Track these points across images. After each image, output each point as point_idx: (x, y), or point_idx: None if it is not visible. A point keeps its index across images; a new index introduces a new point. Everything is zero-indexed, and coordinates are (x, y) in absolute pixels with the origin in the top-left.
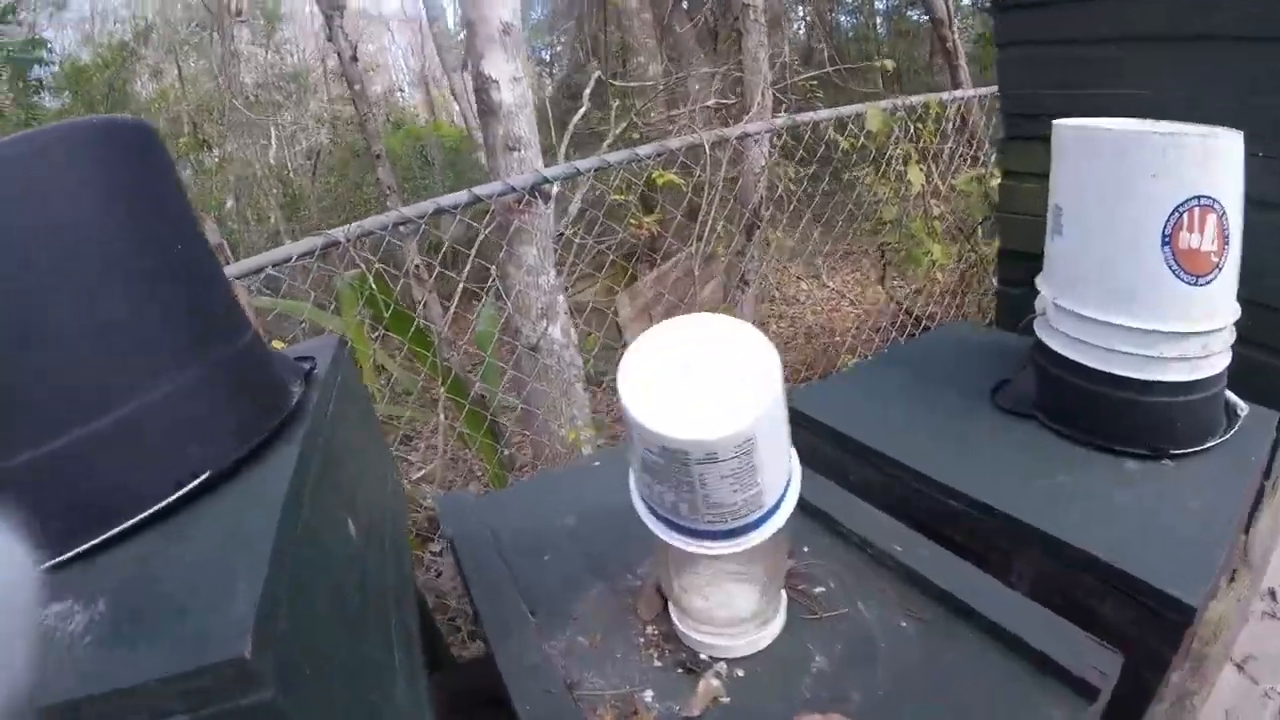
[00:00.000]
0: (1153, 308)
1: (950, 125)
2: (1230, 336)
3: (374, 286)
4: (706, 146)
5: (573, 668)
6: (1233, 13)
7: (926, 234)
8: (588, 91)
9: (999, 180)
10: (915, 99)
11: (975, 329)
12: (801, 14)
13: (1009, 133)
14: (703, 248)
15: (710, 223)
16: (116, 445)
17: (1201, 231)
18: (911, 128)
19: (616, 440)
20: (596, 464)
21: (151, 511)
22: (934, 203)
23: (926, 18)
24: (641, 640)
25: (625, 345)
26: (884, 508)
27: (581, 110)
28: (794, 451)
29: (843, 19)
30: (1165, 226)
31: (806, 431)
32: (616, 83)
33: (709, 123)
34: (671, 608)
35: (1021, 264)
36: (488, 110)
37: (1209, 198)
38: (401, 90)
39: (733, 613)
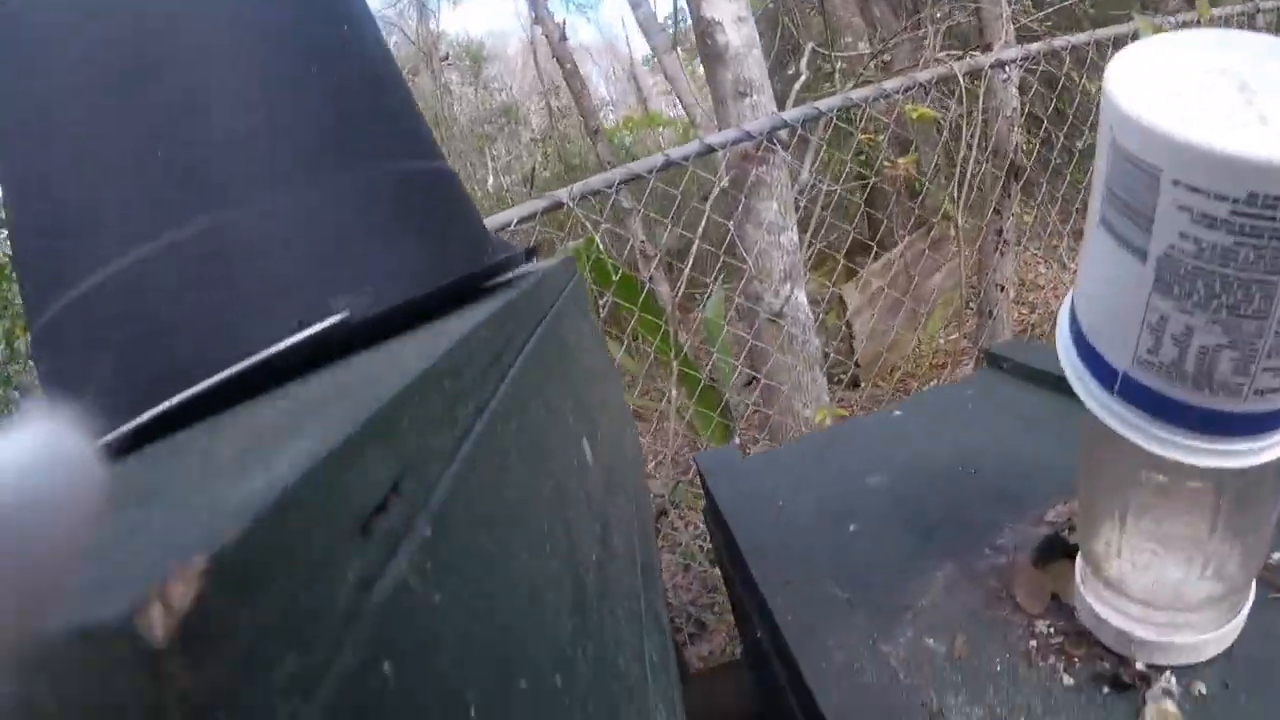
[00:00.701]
0: None
1: None
2: None
3: (600, 248)
4: (961, 77)
5: (927, 686)
6: None
7: None
8: (804, 61)
9: None
10: (1178, 17)
11: None
12: None
13: None
14: (963, 197)
15: (970, 166)
16: (211, 263)
17: None
18: None
19: None
20: (897, 413)
21: (253, 362)
22: None
23: None
24: (1032, 644)
25: (852, 337)
26: None
27: (801, 79)
28: None
29: None
30: None
31: None
32: (831, 53)
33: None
34: (1082, 588)
35: None
36: (713, 55)
37: None
38: (610, 104)
39: (1203, 591)
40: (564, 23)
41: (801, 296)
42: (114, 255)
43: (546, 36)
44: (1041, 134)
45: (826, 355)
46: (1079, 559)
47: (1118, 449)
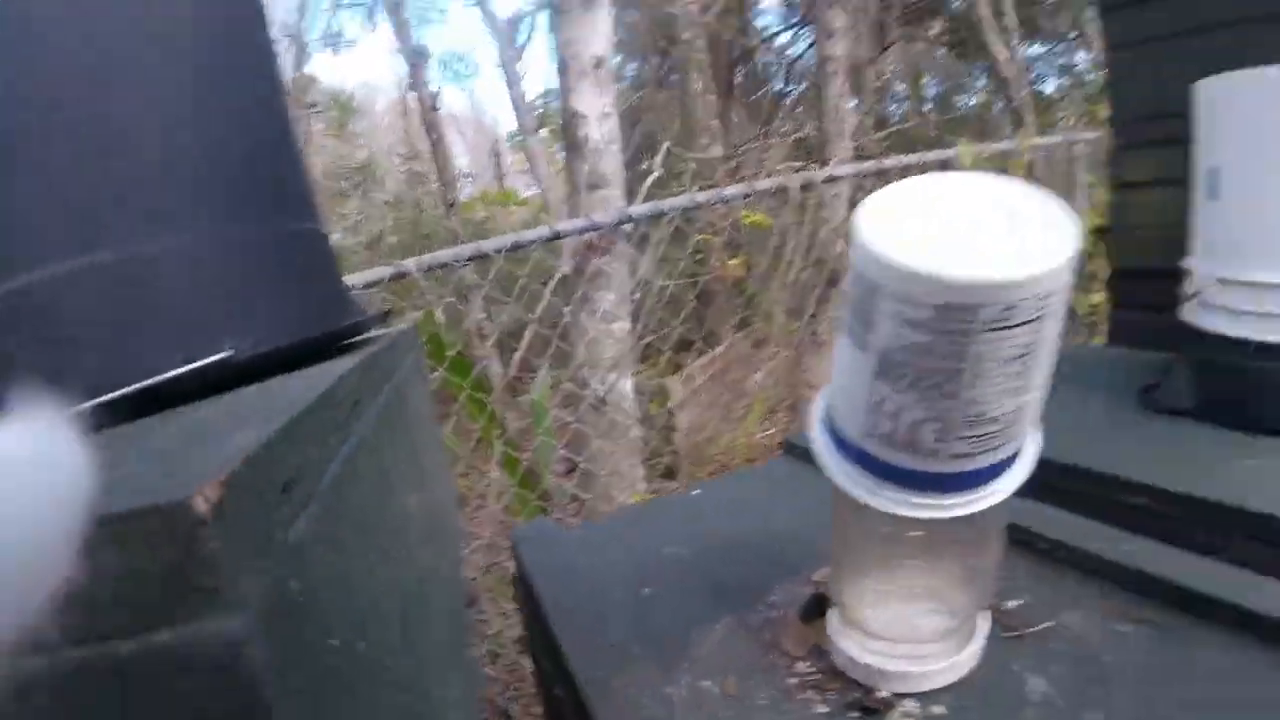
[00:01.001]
0: None
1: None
2: None
3: (438, 323)
4: (794, 188)
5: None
6: None
7: None
8: (659, 158)
9: (1106, 200)
10: (999, 145)
11: (1100, 349)
12: (851, 105)
13: (1123, 142)
14: (785, 300)
15: (794, 272)
16: (108, 292)
17: None
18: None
19: None
20: (697, 492)
21: (150, 384)
22: None
23: (973, 103)
24: (794, 681)
25: (674, 429)
26: None
27: (654, 175)
28: None
29: (891, 108)
30: None
31: None
32: (686, 154)
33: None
34: (836, 634)
35: (1141, 281)
36: (574, 147)
37: None
38: (469, 176)
39: (934, 625)
40: (438, 92)
41: (627, 386)
42: (21, 270)
43: (420, 103)
44: None
45: (646, 443)
46: (833, 607)
47: (856, 508)
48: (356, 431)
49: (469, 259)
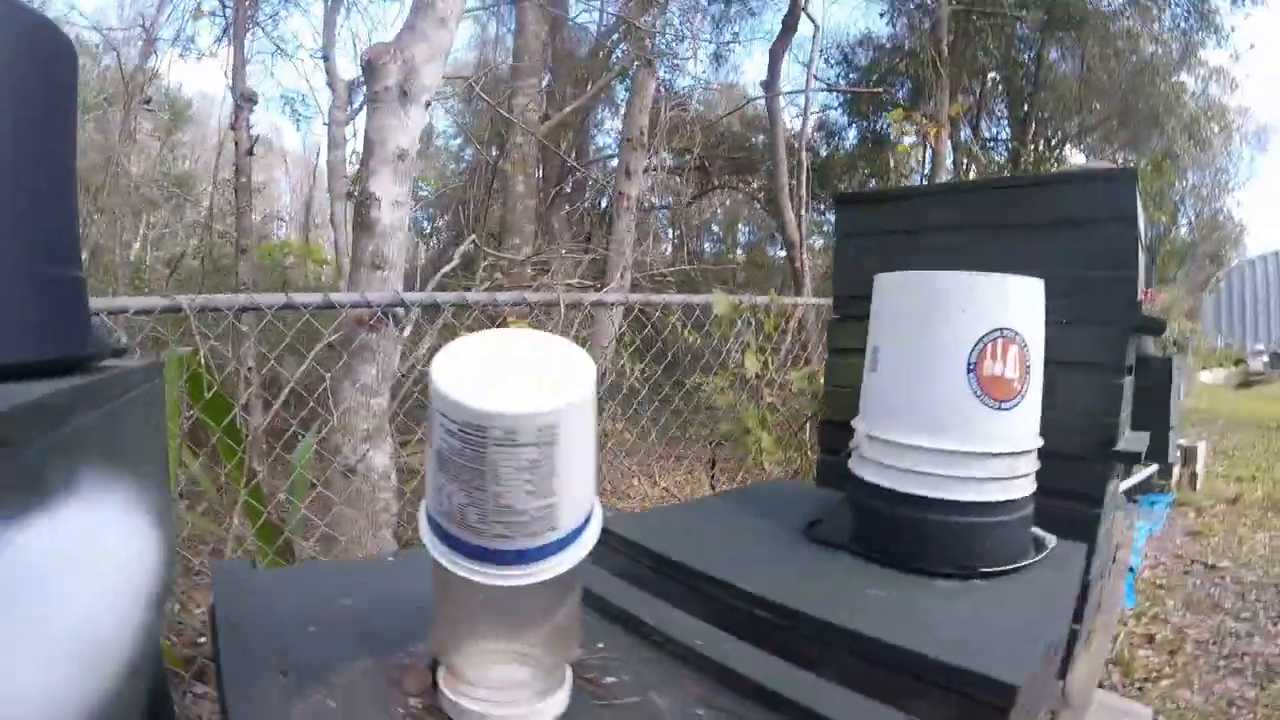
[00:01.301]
0: (960, 430)
1: (790, 328)
2: (1035, 464)
3: (202, 362)
4: (563, 306)
5: None
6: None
7: (758, 423)
8: (460, 249)
9: (826, 359)
10: (760, 299)
11: (799, 484)
12: (671, 235)
13: (840, 314)
14: None
15: None
16: None
17: (1004, 360)
18: (754, 321)
19: None
20: (390, 559)
21: None
22: (766, 392)
23: (783, 253)
24: (400, 711)
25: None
26: None
27: (450, 264)
28: (598, 500)
29: (707, 245)
30: (970, 355)
31: (619, 554)
32: (490, 252)
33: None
34: (441, 678)
35: (843, 433)
36: (364, 225)
37: (1011, 330)
38: (282, 219)
39: (510, 675)
40: (256, 138)
41: (380, 459)
42: None
43: (236, 145)
44: (662, 368)
45: (400, 519)
46: None
47: (439, 569)
48: (55, 436)
49: (242, 309)
